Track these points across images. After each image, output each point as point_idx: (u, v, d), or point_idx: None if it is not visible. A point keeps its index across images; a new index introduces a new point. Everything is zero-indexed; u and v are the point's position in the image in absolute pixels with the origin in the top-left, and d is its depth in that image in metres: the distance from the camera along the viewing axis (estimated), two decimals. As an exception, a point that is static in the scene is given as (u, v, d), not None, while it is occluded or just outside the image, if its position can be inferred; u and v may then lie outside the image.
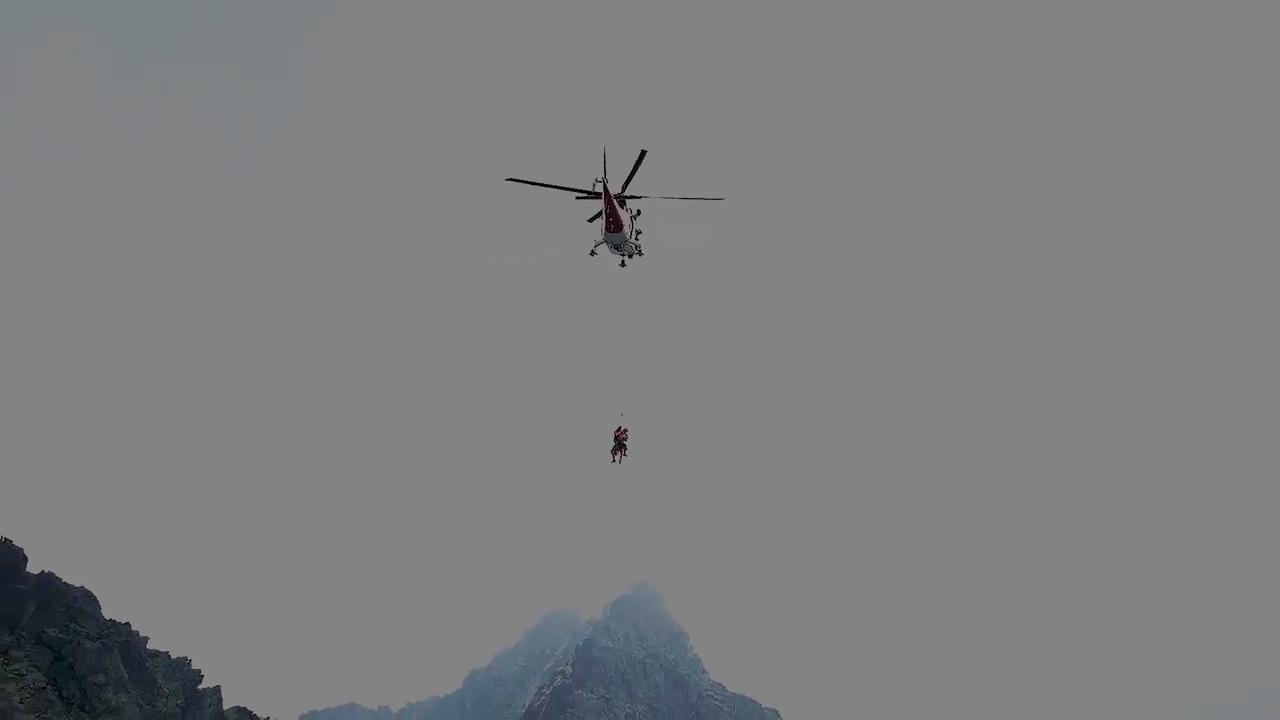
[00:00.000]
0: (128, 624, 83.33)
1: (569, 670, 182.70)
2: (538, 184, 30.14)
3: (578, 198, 32.59)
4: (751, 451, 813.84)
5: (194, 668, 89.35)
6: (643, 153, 29.28)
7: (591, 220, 34.63)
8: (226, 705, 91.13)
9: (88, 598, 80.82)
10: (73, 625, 76.88)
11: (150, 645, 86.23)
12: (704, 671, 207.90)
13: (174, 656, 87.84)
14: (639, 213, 35.33)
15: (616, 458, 40.53)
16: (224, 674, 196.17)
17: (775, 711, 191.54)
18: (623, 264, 36.11)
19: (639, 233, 35.77)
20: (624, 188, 32.08)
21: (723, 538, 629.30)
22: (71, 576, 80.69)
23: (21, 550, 77.73)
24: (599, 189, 31.68)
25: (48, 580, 78.23)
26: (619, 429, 40.64)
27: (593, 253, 35.32)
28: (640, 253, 36.43)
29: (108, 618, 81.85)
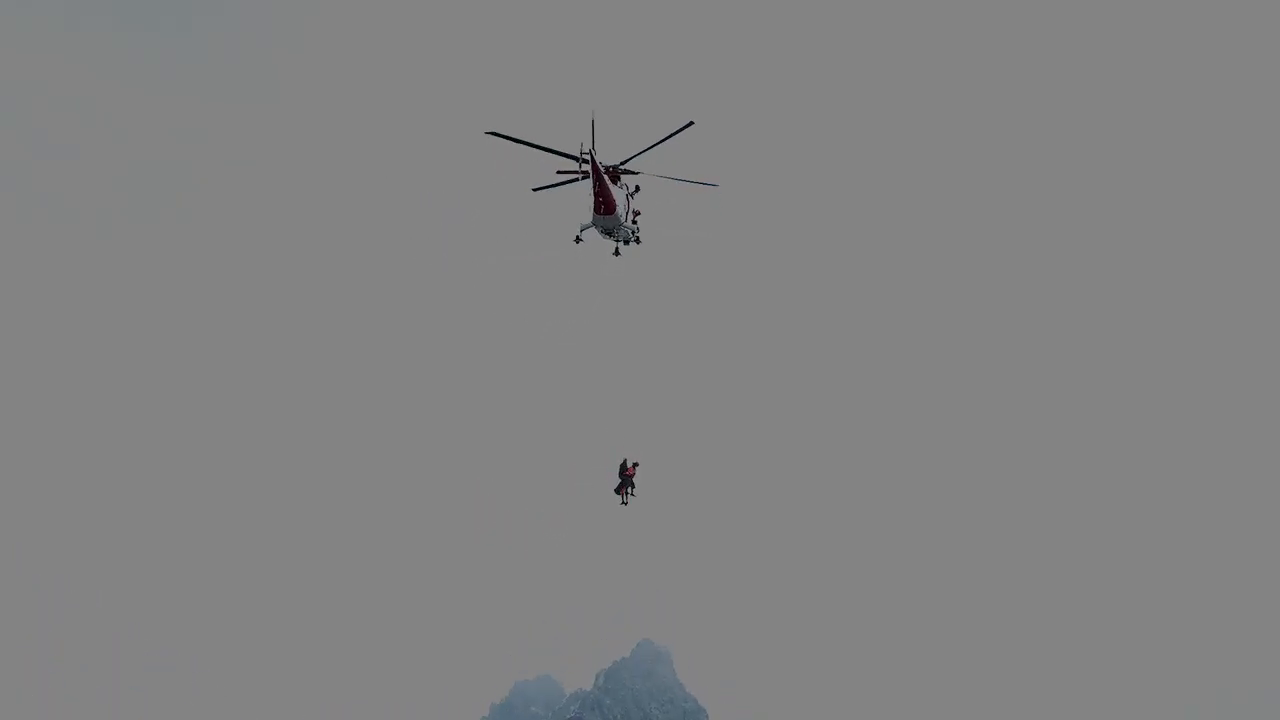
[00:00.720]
0: None
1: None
2: (523, 142, 26.62)
3: (559, 171, 28.43)
4: (783, 477, 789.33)
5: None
6: (689, 124, 26.02)
7: (537, 190, 30.22)
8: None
9: None
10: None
11: None
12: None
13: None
14: (637, 189, 30.63)
15: (624, 496, 37.76)
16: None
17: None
18: (616, 252, 31.73)
19: (637, 213, 31.09)
20: (626, 160, 28.56)
21: (751, 579, 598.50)
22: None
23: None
24: (586, 159, 27.15)
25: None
26: (628, 466, 37.73)
27: (578, 239, 30.80)
28: (638, 240, 31.77)
29: None
